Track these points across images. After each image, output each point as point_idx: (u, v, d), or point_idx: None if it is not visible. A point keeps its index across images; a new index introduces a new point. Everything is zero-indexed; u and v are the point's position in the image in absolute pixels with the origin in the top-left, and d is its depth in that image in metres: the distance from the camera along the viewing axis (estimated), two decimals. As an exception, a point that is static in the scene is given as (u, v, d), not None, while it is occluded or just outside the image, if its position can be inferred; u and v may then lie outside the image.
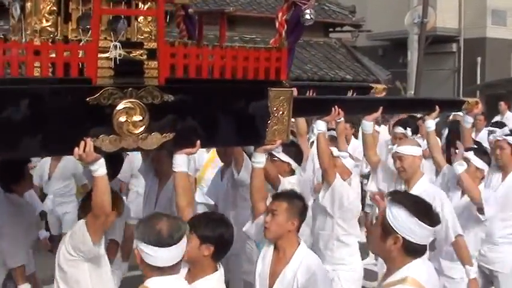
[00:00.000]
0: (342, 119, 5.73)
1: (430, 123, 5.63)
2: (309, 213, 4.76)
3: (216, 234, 3.64)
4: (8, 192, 5.16)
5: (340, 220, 5.31)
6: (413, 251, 3.02)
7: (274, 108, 4.11)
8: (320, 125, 4.96)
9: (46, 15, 3.83)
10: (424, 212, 3.04)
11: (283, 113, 4.14)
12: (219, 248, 3.65)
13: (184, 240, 3.08)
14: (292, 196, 4.23)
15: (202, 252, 3.61)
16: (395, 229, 2.99)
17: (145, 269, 3.12)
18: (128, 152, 7.67)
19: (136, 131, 3.74)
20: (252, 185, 4.42)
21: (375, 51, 22.92)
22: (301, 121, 6.33)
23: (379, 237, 3.08)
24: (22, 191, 5.29)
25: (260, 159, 4.32)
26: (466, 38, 22.16)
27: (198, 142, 3.96)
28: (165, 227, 3.03)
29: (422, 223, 2.97)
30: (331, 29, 19.38)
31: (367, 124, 5.34)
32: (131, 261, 8.18)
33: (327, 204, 5.24)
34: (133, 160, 8.32)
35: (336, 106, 4.74)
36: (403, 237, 2.99)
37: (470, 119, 6.02)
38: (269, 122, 4.13)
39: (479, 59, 21.63)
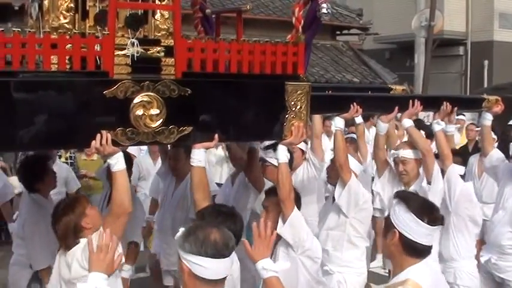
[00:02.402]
0: (362, 120, 5.75)
1: (441, 122, 5.57)
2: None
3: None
4: (33, 192, 5.12)
5: (354, 220, 5.22)
6: (412, 249, 3.01)
7: (292, 103, 4.11)
8: (338, 122, 4.93)
9: (64, 12, 3.84)
10: (424, 209, 3.04)
11: (301, 107, 4.13)
12: None
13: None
14: None
15: None
16: (394, 224, 3.03)
17: (195, 284, 2.82)
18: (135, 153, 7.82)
19: (154, 125, 3.73)
20: (278, 183, 4.31)
21: (382, 54, 22.93)
22: (318, 122, 6.29)
23: (383, 234, 3.15)
24: (46, 190, 5.21)
25: (284, 153, 4.28)
26: (473, 41, 22.17)
27: (216, 136, 3.96)
28: (218, 237, 2.82)
29: (419, 219, 2.98)
30: (338, 32, 19.42)
31: (382, 126, 5.44)
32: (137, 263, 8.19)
33: (343, 204, 5.15)
34: (141, 163, 8.35)
35: (354, 103, 4.75)
36: (400, 233, 3.01)
37: (489, 116, 5.95)
38: (287, 116, 4.12)
39: (486, 62, 21.64)
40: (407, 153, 5.47)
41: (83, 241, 3.92)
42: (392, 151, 5.71)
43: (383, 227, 3.19)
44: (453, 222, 5.52)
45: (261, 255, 3.24)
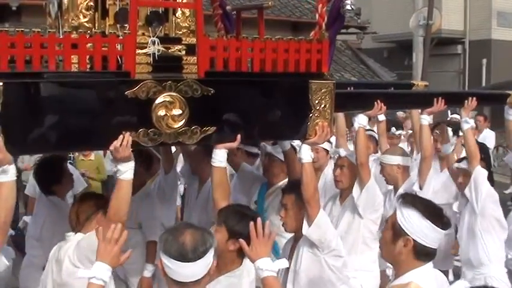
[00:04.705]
0: (384, 117, 5.67)
1: (469, 120, 5.46)
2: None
3: (246, 232, 3.48)
4: (49, 194, 5.08)
5: (368, 221, 5.12)
6: (424, 254, 2.98)
7: (316, 101, 4.03)
8: (361, 119, 4.83)
9: (83, 11, 3.78)
10: (436, 215, 3.00)
11: (325, 106, 4.06)
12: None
13: (209, 254, 2.88)
14: (299, 186, 4.25)
15: (229, 246, 3.56)
16: (406, 231, 2.96)
17: (168, 282, 2.92)
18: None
19: (176, 125, 3.66)
20: (303, 183, 4.19)
21: (380, 53, 22.99)
22: (341, 121, 6.22)
23: (389, 240, 3.05)
24: (63, 192, 5.19)
25: (308, 153, 4.17)
26: (472, 40, 22.28)
27: (239, 136, 3.89)
28: (188, 240, 2.84)
29: (435, 226, 2.94)
30: (336, 31, 19.35)
31: (426, 117, 5.33)
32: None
33: (361, 204, 5.04)
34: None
35: (378, 100, 4.65)
36: (414, 240, 2.95)
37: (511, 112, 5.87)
38: (311, 115, 4.05)
39: (484, 61, 21.74)
40: (389, 159, 5.64)
41: (76, 237, 3.88)
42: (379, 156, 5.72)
43: (390, 234, 3.06)
44: (480, 224, 5.41)
45: (258, 254, 3.23)
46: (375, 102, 4.65)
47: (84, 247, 3.71)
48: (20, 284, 5.39)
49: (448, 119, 11.09)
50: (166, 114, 3.61)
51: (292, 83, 4.03)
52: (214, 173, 4.04)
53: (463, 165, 5.55)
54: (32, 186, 6.65)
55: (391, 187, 5.83)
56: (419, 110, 5.56)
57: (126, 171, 3.59)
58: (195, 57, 3.87)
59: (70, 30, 3.68)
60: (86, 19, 3.77)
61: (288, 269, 4.32)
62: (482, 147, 6.81)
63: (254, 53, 3.90)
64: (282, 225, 4.36)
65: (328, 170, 6.07)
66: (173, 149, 6.00)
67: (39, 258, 5.06)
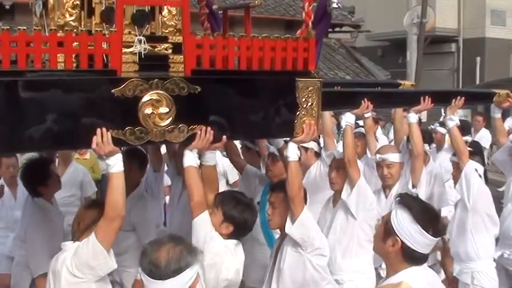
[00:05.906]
0: (370, 114, 5.66)
1: (454, 117, 5.42)
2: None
3: (241, 217, 3.73)
4: (36, 196, 5.01)
5: (363, 223, 4.99)
6: (412, 257, 2.96)
7: (303, 100, 4.01)
8: (348, 117, 4.78)
9: (69, 9, 3.77)
10: (430, 220, 2.96)
11: (312, 104, 4.04)
12: (238, 230, 3.73)
13: (184, 274, 2.79)
14: None
15: (221, 230, 3.70)
16: (396, 232, 2.95)
17: None
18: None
19: (163, 123, 3.65)
20: (288, 181, 4.17)
21: (374, 52, 23.00)
22: (328, 119, 6.19)
23: (380, 236, 3.05)
24: (50, 194, 5.11)
25: (294, 151, 4.15)
26: (465, 38, 22.32)
27: (224, 136, 3.87)
28: (162, 257, 2.77)
29: (424, 232, 2.91)
30: (330, 30, 19.33)
31: (413, 115, 5.30)
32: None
33: (352, 203, 4.93)
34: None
35: (365, 99, 4.61)
36: (402, 241, 2.94)
37: (498, 110, 5.86)
38: (298, 113, 4.03)
39: (478, 59, 21.77)
40: (394, 157, 5.51)
41: (73, 245, 3.78)
42: (378, 155, 5.64)
43: (381, 231, 3.08)
44: (471, 219, 5.38)
45: None
46: (362, 101, 4.60)
47: (83, 253, 3.62)
48: (12, 281, 5.43)
49: (441, 119, 11.14)
50: (153, 113, 3.60)
51: (278, 81, 4.02)
52: (203, 171, 4.03)
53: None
54: None
55: (379, 186, 5.78)
56: (403, 110, 5.57)
57: (115, 163, 3.59)
58: (182, 56, 3.86)
59: (56, 29, 3.66)
60: (72, 18, 3.76)
61: (273, 267, 4.33)
62: (476, 146, 6.83)
63: (241, 51, 3.89)
64: (268, 222, 4.37)
65: (314, 168, 6.06)
66: (163, 150, 6.00)
67: (25, 257, 5.07)
